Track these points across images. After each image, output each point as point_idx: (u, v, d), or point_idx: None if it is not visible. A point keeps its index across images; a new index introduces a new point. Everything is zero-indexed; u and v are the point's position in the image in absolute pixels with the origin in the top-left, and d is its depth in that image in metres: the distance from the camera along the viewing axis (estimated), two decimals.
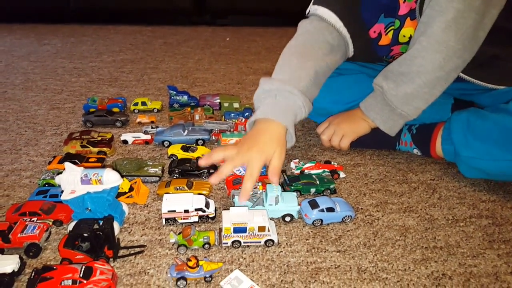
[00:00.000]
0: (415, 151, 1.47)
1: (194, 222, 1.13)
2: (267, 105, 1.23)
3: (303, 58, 1.34)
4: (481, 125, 1.24)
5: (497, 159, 1.20)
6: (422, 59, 1.22)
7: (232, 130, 1.59)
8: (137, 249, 1.03)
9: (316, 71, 1.31)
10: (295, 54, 1.36)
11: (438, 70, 1.21)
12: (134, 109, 1.84)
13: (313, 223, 1.12)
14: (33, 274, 0.89)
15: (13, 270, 0.91)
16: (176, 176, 1.33)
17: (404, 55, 1.27)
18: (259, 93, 1.28)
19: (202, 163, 1.19)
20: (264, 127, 1.19)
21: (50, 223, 1.09)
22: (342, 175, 1.37)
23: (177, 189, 1.22)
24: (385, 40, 1.41)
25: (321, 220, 1.12)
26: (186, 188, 1.23)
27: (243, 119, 1.58)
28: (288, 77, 1.27)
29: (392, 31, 1.39)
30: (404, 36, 1.37)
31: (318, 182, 1.27)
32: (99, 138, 1.52)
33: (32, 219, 1.08)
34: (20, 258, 0.95)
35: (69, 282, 0.87)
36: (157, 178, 1.31)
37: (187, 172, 1.33)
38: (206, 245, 1.03)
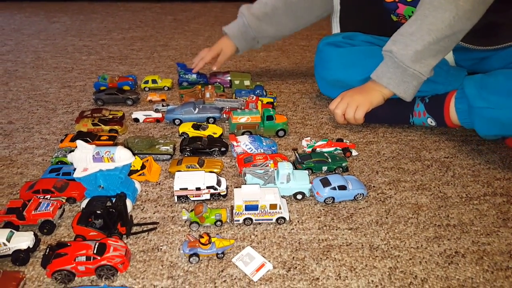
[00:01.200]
0: (429, 120, 1.45)
1: (206, 199, 1.13)
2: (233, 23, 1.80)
3: None
4: (493, 81, 1.27)
5: (510, 106, 1.22)
6: (433, 17, 1.25)
7: (243, 108, 1.57)
8: (150, 226, 1.04)
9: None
10: None
11: (448, 28, 1.24)
12: (144, 87, 1.84)
13: (324, 201, 1.12)
14: (47, 251, 0.91)
15: (28, 247, 0.93)
16: (188, 154, 1.33)
17: (414, 15, 1.30)
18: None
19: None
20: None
21: (64, 201, 1.10)
22: (354, 153, 1.35)
23: (189, 167, 1.22)
24: None
25: (333, 198, 1.12)
26: (198, 166, 1.23)
27: (254, 97, 1.57)
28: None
29: None
30: None
31: (330, 160, 1.26)
32: (111, 116, 1.52)
33: (46, 197, 1.10)
34: (35, 234, 0.96)
35: (83, 258, 0.88)
36: (169, 156, 1.32)
37: (198, 150, 1.33)
38: (218, 222, 1.04)
